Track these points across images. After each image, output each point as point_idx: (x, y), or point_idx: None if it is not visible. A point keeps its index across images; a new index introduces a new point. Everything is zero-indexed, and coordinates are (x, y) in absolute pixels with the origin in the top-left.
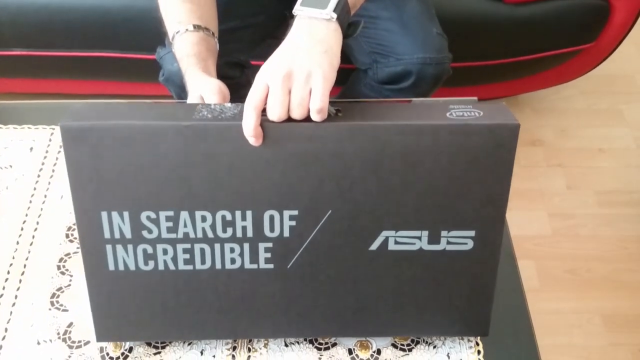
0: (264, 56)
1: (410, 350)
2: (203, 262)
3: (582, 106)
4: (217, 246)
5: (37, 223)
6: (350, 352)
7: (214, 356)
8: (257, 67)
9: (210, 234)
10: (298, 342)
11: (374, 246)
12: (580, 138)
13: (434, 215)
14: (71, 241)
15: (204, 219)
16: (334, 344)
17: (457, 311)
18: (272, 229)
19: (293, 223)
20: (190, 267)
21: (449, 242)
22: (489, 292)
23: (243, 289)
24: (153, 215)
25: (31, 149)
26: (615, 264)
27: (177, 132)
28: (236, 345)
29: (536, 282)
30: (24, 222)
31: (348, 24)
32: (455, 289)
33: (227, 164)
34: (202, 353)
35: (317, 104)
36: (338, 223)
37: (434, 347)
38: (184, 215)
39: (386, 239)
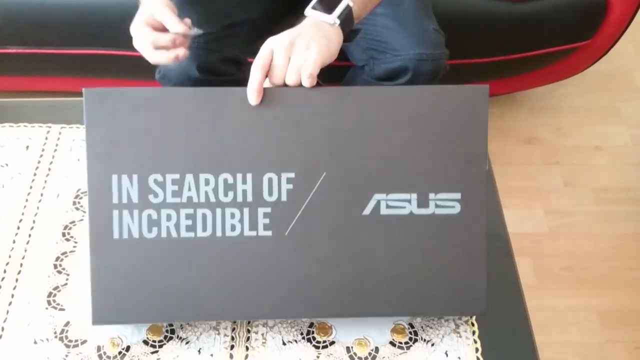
0: None
1: (408, 348)
2: (204, 229)
3: (579, 104)
4: (218, 211)
5: (34, 222)
6: (348, 350)
7: (211, 355)
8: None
9: (212, 198)
10: (296, 341)
11: (367, 211)
12: (577, 136)
13: (422, 177)
14: (67, 240)
15: (207, 182)
16: (332, 342)
17: (452, 284)
18: (270, 193)
19: (290, 186)
20: (191, 235)
21: (437, 206)
22: (479, 263)
23: (243, 260)
24: (160, 179)
25: (27, 147)
26: (612, 262)
27: (185, 96)
28: (234, 344)
29: (533, 280)
30: (20, 220)
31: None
32: (447, 257)
33: (230, 127)
34: (199, 352)
35: (308, 70)
36: (333, 185)
37: (432, 344)
38: (189, 178)
39: (378, 203)
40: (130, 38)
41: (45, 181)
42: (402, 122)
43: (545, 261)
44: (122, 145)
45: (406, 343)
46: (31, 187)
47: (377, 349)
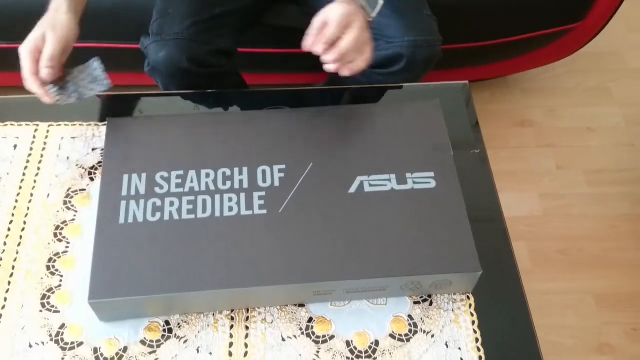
0: (253, 43)
1: (408, 340)
2: (204, 211)
3: (571, 85)
4: (217, 197)
5: (24, 223)
6: (348, 344)
7: (210, 353)
8: (244, 55)
9: (212, 187)
10: (295, 336)
11: (352, 189)
12: (569, 118)
13: (398, 161)
14: (60, 240)
15: (207, 175)
16: (332, 337)
17: (442, 247)
18: (264, 180)
19: (282, 175)
20: (192, 217)
21: (415, 182)
22: (464, 226)
23: (240, 236)
24: (166, 175)
25: (15, 146)
26: (606, 243)
27: (191, 121)
28: (232, 341)
29: (528, 264)
30: (11, 222)
31: None
32: (431, 223)
33: (227, 135)
34: (198, 350)
35: (362, 65)
36: (320, 172)
37: (432, 335)
38: (192, 173)
39: (362, 183)
40: (116, 30)
41: (35, 181)
42: (374, 127)
43: (540, 245)
44: (135, 156)
45: (406, 335)
46: (20, 188)
47: (377, 342)
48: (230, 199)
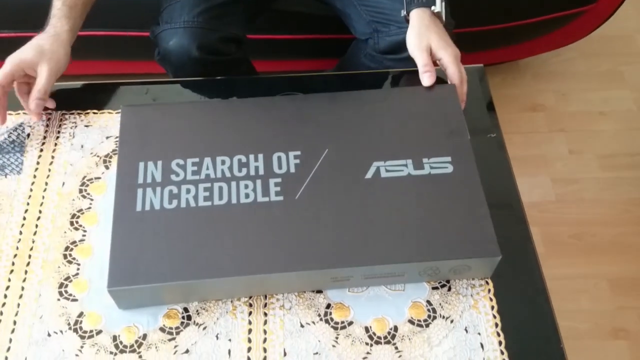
0: (262, 29)
1: (427, 325)
2: (221, 197)
3: (583, 69)
4: (233, 184)
5: (40, 212)
6: (367, 330)
7: (229, 339)
8: (253, 42)
9: (228, 174)
10: (314, 322)
11: (369, 175)
12: (581, 101)
13: (415, 145)
14: (76, 229)
15: (223, 162)
16: (350, 323)
17: (461, 232)
18: (280, 167)
19: (297, 161)
20: (209, 204)
21: (432, 167)
22: (483, 211)
23: (256, 222)
24: (182, 162)
25: (28, 135)
26: (620, 228)
27: (206, 108)
28: (252, 328)
29: (542, 248)
30: (26, 211)
31: None
32: (449, 208)
33: (243, 121)
34: (217, 337)
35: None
36: (335, 158)
37: (451, 321)
38: (207, 160)
39: (378, 169)
40: (126, 18)
41: (49, 170)
42: (390, 113)
43: (553, 229)
44: (150, 144)
45: (425, 320)
46: (35, 177)
47: (395, 328)
48: (246, 186)
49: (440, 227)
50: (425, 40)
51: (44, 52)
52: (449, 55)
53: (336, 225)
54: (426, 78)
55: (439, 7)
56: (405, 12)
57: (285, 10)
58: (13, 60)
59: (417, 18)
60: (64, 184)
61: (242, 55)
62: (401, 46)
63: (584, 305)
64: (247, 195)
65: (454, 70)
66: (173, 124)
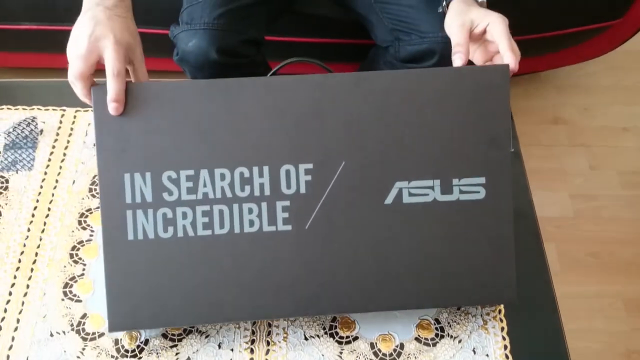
0: (281, 31)
1: (434, 344)
2: (222, 225)
3: (607, 83)
4: (235, 207)
5: (49, 209)
6: (372, 346)
7: (232, 349)
8: (271, 44)
9: (228, 194)
10: (318, 336)
11: (389, 200)
12: (604, 116)
13: (444, 162)
14: (84, 228)
15: (222, 177)
16: (355, 338)
17: (480, 273)
18: (288, 185)
19: (309, 177)
20: (209, 232)
21: (461, 192)
22: (508, 251)
23: (262, 257)
24: (174, 175)
25: (41, 131)
26: (638, 248)
27: (197, 89)
28: (255, 338)
29: (557, 266)
30: (35, 208)
31: None
32: (473, 244)
33: (244, 118)
34: (219, 346)
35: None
36: (352, 175)
37: (459, 341)
38: (204, 173)
39: (400, 191)
40: (145, 15)
41: (60, 167)
42: (421, 106)
43: (570, 246)
44: (133, 141)
45: (432, 339)
46: (46, 174)
47: (402, 345)
48: (250, 210)
49: (461, 269)
50: (465, 15)
51: (133, 33)
52: (496, 18)
53: (349, 263)
54: (457, 59)
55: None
56: (444, 4)
57: (305, 13)
58: (121, 44)
59: (458, 2)
60: (74, 182)
61: (261, 58)
62: (422, 56)
63: (598, 325)
64: (251, 223)
65: (506, 44)
66: (159, 112)
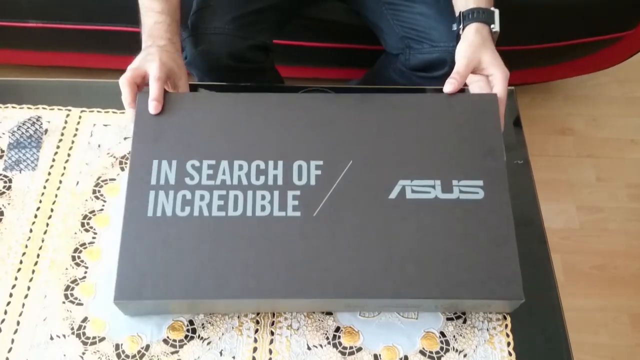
0: (290, 36)
1: (439, 358)
2: (235, 208)
3: (616, 94)
4: (249, 193)
5: (52, 210)
6: (375, 357)
7: (233, 357)
8: (280, 47)
9: (244, 182)
10: (321, 345)
11: (393, 194)
12: (612, 128)
13: (444, 165)
14: (87, 230)
15: (240, 167)
16: (359, 349)
17: (484, 268)
18: (300, 178)
19: (319, 172)
20: (222, 214)
21: (461, 191)
22: (510, 247)
23: (271, 239)
24: (197, 164)
25: (46, 131)
26: None
27: (225, 99)
28: (257, 346)
29: (561, 278)
30: (38, 209)
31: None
32: (475, 241)
33: (264, 123)
34: (221, 353)
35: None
36: (359, 172)
37: (465, 355)
38: (224, 164)
39: (403, 188)
40: None
41: (64, 168)
42: (422, 121)
43: (575, 259)
44: (165, 135)
45: (437, 352)
46: (49, 174)
47: (406, 358)
48: (263, 197)
49: (464, 262)
50: (477, 53)
51: (179, 64)
52: (501, 74)
53: (354, 249)
54: (449, 85)
55: (497, 26)
56: (460, 27)
57: (314, 18)
58: (164, 67)
59: (474, 32)
60: (78, 183)
61: (269, 63)
62: (433, 65)
63: (602, 339)
64: (263, 208)
65: (502, 90)
66: (190, 117)
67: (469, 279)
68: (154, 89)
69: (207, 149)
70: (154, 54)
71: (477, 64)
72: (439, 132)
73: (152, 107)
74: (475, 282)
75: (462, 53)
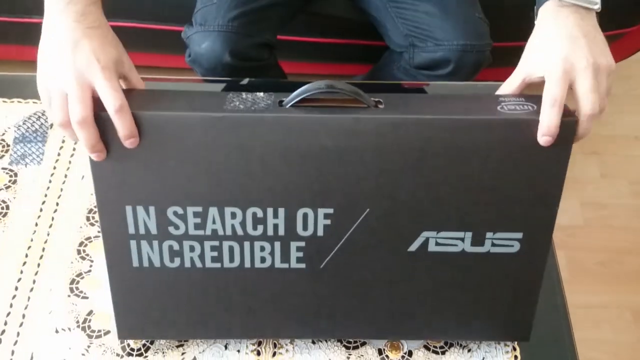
0: (294, 31)
1: (443, 353)
2: (232, 260)
3: (619, 91)
4: (246, 244)
5: (57, 204)
6: (380, 352)
7: (238, 351)
8: (283, 43)
9: (239, 232)
10: (326, 340)
11: (413, 247)
12: (616, 125)
13: (479, 215)
14: (92, 224)
15: (233, 215)
16: (363, 343)
17: (498, 316)
18: (305, 228)
19: (328, 222)
20: (218, 265)
21: (493, 244)
22: (534, 297)
23: (272, 289)
24: (180, 211)
25: (51, 125)
26: None
27: (208, 123)
28: (262, 340)
29: (566, 274)
30: (43, 202)
31: None
32: (498, 294)
33: (259, 158)
34: (226, 347)
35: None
36: (376, 222)
37: (469, 350)
38: (213, 211)
39: (426, 240)
40: (158, 11)
41: (70, 162)
42: (465, 158)
43: (579, 255)
44: (135, 174)
45: (441, 347)
46: (55, 168)
47: (410, 353)
48: (262, 248)
49: (476, 313)
50: (568, 61)
51: (113, 42)
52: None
53: (362, 306)
54: (545, 140)
55: (599, 3)
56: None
57: (318, 14)
58: (109, 67)
59: (556, 18)
60: (83, 177)
61: (273, 60)
62: (437, 63)
63: (605, 335)
64: (263, 259)
65: (587, 103)
66: (164, 146)
67: (479, 323)
68: (121, 125)
69: (190, 192)
70: (84, 54)
71: (570, 74)
72: (484, 168)
73: (129, 144)
74: (484, 327)
75: (542, 61)
